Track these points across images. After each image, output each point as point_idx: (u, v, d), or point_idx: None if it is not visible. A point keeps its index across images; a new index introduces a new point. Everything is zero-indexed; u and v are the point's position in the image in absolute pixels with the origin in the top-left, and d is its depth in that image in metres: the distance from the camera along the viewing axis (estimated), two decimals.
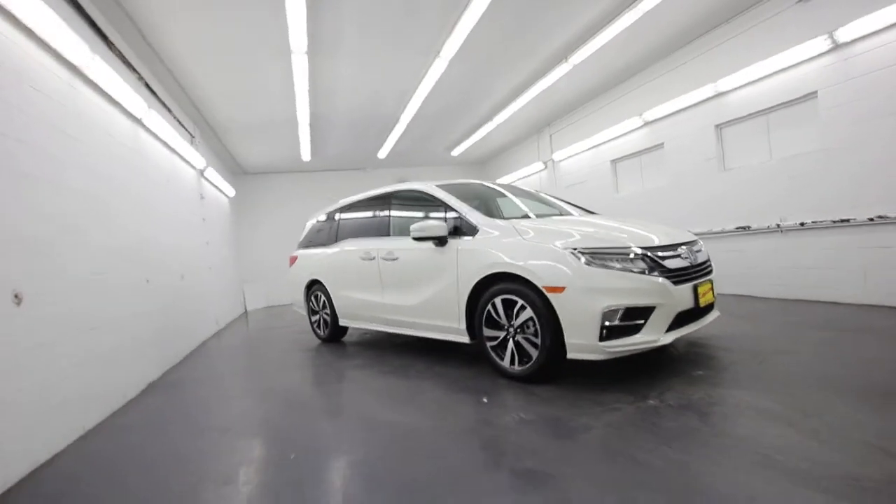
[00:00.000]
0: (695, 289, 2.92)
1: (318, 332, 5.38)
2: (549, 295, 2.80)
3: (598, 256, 2.78)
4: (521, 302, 2.97)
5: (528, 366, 2.98)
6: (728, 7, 5.05)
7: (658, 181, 6.84)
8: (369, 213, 4.67)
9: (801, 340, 3.41)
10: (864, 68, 4.13)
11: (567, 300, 2.74)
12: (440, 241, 3.55)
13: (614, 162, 7.72)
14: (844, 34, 4.16)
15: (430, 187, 3.96)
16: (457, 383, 3.23)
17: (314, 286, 5.32)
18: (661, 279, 2.76)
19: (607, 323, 2.66)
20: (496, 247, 3.18)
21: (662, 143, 6.61)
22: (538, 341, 2.89)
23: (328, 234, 5.21)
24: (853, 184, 4.32)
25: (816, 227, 4.61)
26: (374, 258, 4.26)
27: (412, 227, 3.59)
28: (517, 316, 3.00)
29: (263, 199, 11.50)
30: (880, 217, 4.08)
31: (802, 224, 4.73)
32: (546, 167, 9.73)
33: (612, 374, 3.01)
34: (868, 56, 4.08)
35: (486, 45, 5.47)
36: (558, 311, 2.77)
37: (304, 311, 5.65)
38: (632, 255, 2.80)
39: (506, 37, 5.31)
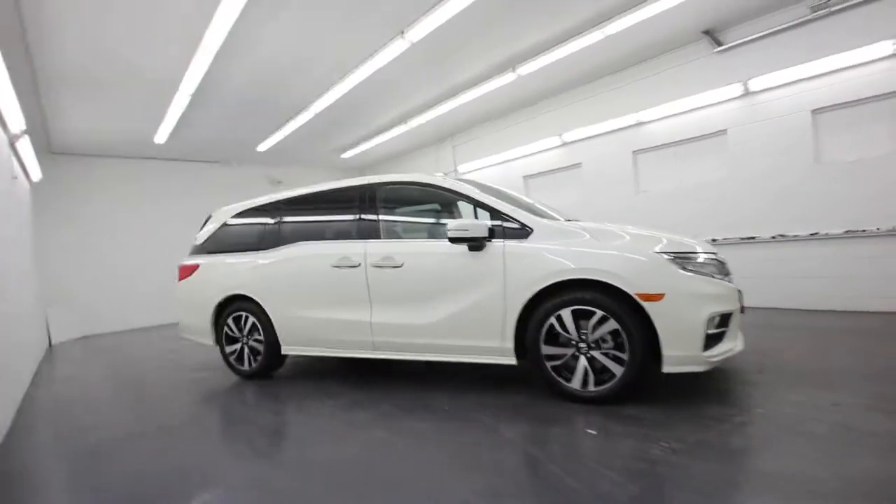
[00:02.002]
0: (740, 293, 3.00)
1: (239, 365, 3.98)
2: (644, 304, 2.50)
3: (688, 261, 2.61)
4: (599, 313, 2.59)
5: (607, 385, 2.60)
6: (649, 48, 5.72)
7: (572, 197, 7.31)
8: (343, 210, 3.65)
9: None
10: (767, 113, 5.10)
11: (667, 308, 2.47)
12: (476, 245, 2.93)
13: (527, 178, 8.01)
14: (756, 84, 5.07)
15: (448, 181, 3.29)
16: (521, 414, 2.64)
17: (232, 305, 3.94)
18: (733, 284, 2.75)
19: (709, 331, 2.50)
20: (561, 251, 2.74)
21: (580, 163, 7.11)
22: (624, 356, 2.55)
23: (263, 235, 3.93)
24: (757, 208, 5.26)
25: (726, 243, 5.45)
26: (357, 265, 3.32)
27: (450, 225, 2.88)
28: (594, 329, 2.61)
29: (82, 190, 8.48)
30: (781, 235, 5.05)
31: (714, 240, 5.55)
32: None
33: (666, 391, 2.85)
34: (772, 104, 5.05)
35: (443, 43, 5.07)
36: (655, 321, 2.48)
37: (205, 340, 4.14)
38: (709, 260, 2.72)
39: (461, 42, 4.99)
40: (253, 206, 4.14)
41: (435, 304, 3.08)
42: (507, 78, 6.03)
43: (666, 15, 4.81)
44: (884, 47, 4.33)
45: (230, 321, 3.96)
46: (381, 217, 3.45)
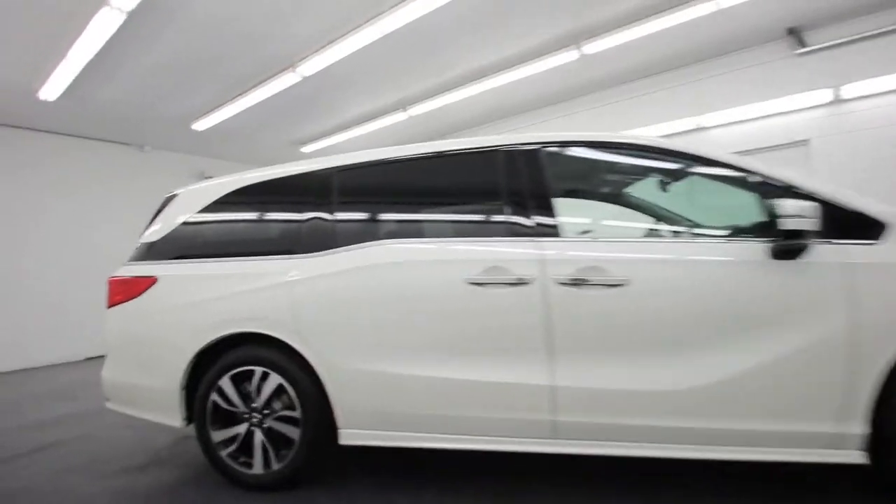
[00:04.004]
0: None
1: (242, 467, 2.09)
2: None
3: None
4: None
5: None
6: (722, 43, 5.07)
7: None
8: (474, 189, 2.12)
9: None
10: (857, 124, 4.62)
11: None
12: (794, 248, 1.63)
13: None
14: (848, 91, 4.58)
15: (693, 145, 2.00)
16: None
17: (230, 354, 2.12)
18: None
19: None
20: None
21: None
22: None
23: (301, 229, 2.17)
24: None
25: None
26: (524, 281, 1.81)
27: (787, 206, 1.54)
28: None
29: None
30: None
31: None
32: None
33: None
34: (864, 114, 4.58)
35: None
36: None
37: (163, 416, 2.21)
38: None
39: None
40: (274, 177, 2.38)
41: (700, 355, 1.68)
42: (567, 57, 4.90)
43: (749, 5, 4.16)
44: None
45: (225, 383, 2.12)
46: (563, 200, 1.99)
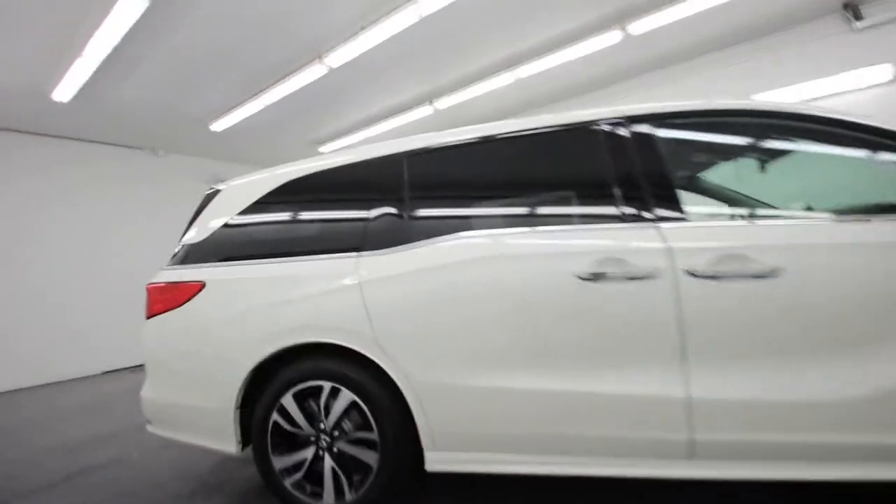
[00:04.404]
0: None
1: (310, 498, 1.84)
2: None
3: None
4: None
5: None
6: (771, 20, 4.76)
7: None
8: (572, 171, 1.83)
9: None
10: None
11: None
12: None
13: None
14: None
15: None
16: None
17: (291, 368, 1.85)
18: None
19: None
20: None
21: None
22: None
23: (369, 224, 1.90)
24: None
25: None
26: (647, 275, 1.53)
27: None
28: None
29: None
30: None
31: None
32: None
33: None
34: None
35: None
36: None
37: (215, 441, 1.94)
38: None
39: None
40: (334, 166, 2.10)
41: (873, 358, 1.41)
42: (610, 38, 4.61)
43: None
44: None
45: (288, 401, 1.86)
46: (687, 179, 1.71)
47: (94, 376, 6.11)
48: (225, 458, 2.58)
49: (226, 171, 8.25)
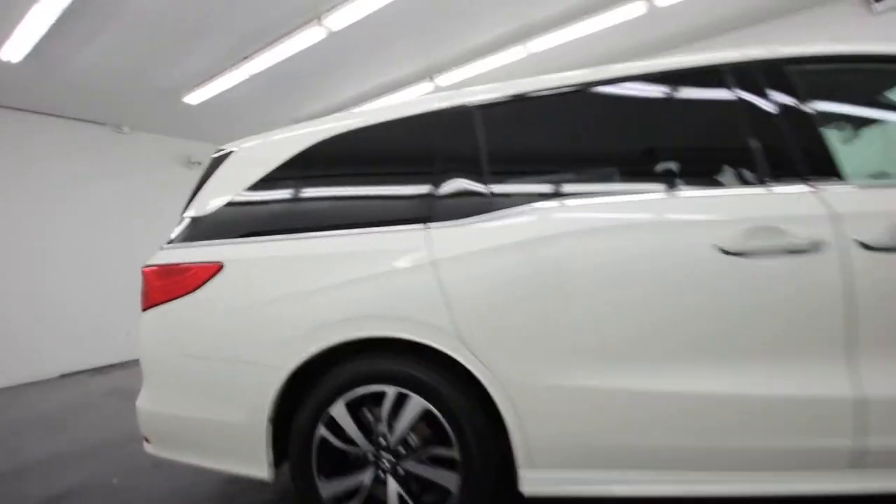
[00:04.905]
0: None
1: None
2: None
3: None
4: None
5: None
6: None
7: None
8: (698, 119, 1.51)
9: None
10: None
11: None
12: None
13: None
14: None
15: None
16: None
17: (343, 371, 1.47)
18: None
19: None
20: None
21: None
22: None
23: (412, 192, 1.53)
24: None
25: None
26: (814, 248, 1.23)
27: None
28: None
29: None
30: None
31: None
32: None
33: None
34: None
35: None
36: None
37: (239, 465, 1.54)
38: None
39: None
40: (385, 119, 1.69)
41: None
42: (636, 9, 4.31)
43: None
44: None
45: (339, 411, 1.47)
46: (840, 133, 1.42)
47: (49, 380, 5.41)
48: (226, 480, 2.15)
49: (198, 151, 7.57)
